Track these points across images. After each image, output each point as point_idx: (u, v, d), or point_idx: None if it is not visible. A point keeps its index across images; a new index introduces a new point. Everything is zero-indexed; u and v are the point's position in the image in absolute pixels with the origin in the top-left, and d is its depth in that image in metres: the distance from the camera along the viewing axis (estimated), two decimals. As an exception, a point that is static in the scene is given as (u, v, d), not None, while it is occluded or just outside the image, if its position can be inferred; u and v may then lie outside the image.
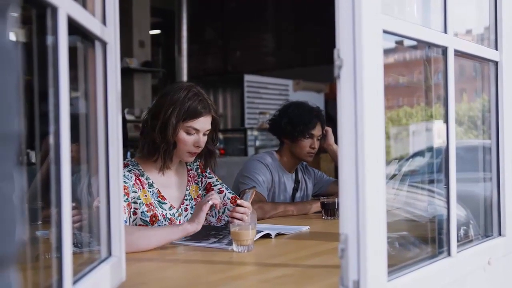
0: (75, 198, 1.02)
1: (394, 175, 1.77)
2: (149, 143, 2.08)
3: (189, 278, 1.50)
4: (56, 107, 0.94)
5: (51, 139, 0.94)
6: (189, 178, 2.24)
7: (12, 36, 0.57)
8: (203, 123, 2.07)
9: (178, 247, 1.89)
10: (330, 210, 2.53)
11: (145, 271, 1.56)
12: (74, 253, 1.00)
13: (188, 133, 2.06)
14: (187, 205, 2.20)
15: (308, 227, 2.26)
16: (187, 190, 2.21)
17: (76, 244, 1.25)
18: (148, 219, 2.04)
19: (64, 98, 0.95)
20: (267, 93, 7.77)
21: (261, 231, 1.98)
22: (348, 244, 1.10)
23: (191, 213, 2.17)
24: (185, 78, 7.28)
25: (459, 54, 1.49)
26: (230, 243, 1.82)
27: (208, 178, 2.28)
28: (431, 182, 1.79)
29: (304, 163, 3.06)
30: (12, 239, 0.53)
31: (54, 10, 0.93)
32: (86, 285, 1.06)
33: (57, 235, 0.94)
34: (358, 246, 1.09)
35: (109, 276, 1.23)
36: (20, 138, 0.56)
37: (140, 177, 2.09)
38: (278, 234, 2.06)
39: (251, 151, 7.09)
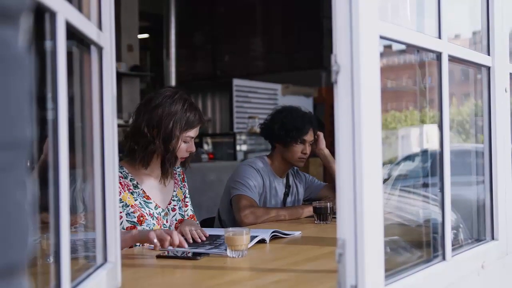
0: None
1: (385, 180, 1.78)
2: (147, 153, 2.10)
3: (185, 284, 1.49)
4: (55, 112, 0.93)
5: (50, 145, 0.93)
6: (176, 181, 2.32)
7: (24, 43, 0.56)
8: (197, 130, 2.21)
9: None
10: (323, 215, 2.53)
11: (140, 277, 1.55)
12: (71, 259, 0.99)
13: (185, 142, 2.17)
14: (174, 205, 2.26)
15: (300, 232, 2.26)
16: (174, 191, 2.28)
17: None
18: (135, 219, 2.08)
19: (62, 103, 0.94)
20: (256, 97, 7.75)
21: (256, 236, 1.97)
22: (345, 249, 1.10)
23: (179, 213, 2.26)
24: (173, 82, 7.25)
25: (452, 59, 1.50)
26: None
27: (186, 188, 2.38)
28: (422, 186, 1.80)
29: (295, 167, 3.06)
30: (24, 246, 0.52)
31: (53, 15, 0.93)
32: (83, 292, 1.05)
33: (55, 241, 0.93)
34: (355, 251, 1.09)
35: (105, 282, 1.22)
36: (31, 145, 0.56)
37: (123, 179, 2.12)
38: (273, 237, 2.06)
39: (240, 155, 7.07)
